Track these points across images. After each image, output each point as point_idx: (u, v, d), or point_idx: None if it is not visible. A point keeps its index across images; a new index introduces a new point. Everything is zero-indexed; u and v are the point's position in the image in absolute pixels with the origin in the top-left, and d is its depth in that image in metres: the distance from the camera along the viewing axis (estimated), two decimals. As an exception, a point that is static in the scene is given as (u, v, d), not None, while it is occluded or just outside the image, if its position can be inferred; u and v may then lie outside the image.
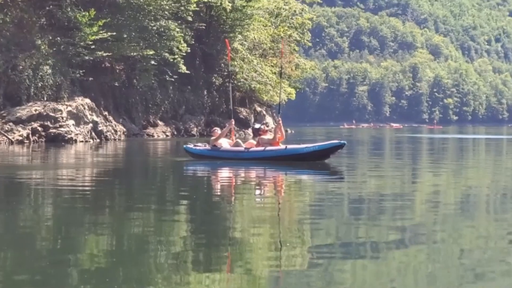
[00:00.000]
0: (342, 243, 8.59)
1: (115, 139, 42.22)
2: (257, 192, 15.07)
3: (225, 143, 22.81)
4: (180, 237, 9.26)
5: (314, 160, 21.55)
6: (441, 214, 11.58)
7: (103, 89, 46.69)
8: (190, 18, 50.98)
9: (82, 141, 38.12)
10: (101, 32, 42.02)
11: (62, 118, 38.19)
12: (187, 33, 50.77)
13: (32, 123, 37.01)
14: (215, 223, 10.67)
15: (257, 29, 64.47)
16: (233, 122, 24.16)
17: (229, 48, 31.61)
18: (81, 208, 12.09)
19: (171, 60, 48.90)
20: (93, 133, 40.75)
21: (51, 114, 37.85)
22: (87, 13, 42.08)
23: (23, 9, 38.96)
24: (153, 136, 49.46)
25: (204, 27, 56.38)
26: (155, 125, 51.71)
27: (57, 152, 29.08)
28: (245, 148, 22.45)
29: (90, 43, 42.13)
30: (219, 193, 15.01)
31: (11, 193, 14.38)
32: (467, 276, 6.94)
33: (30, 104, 38.17)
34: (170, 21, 48.40)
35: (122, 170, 21.71)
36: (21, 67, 38.71)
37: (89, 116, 40.82)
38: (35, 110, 37.57)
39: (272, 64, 66.95)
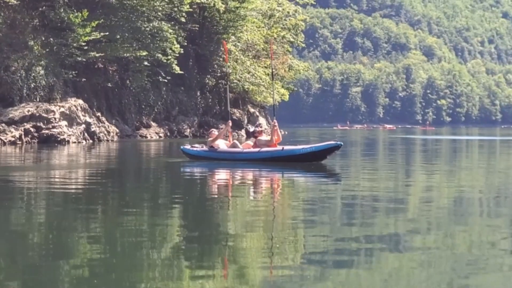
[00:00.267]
0: (336, 246, 8.60)
1: (108, 140, 42.21)
2: (253, 193, 15.10)
3: (222, 144, 22.90)
4: (173, 239, 9.26)
5: (310, 161, 21.62)
6: (434, 216, 11.60)
7: (96, 90, 46.69)
8: (183, 19, 51.02)
9: (74, 142, 38.11)
10: (94, 33, 42.01)
11: (55, 119, 38.18)
12: (180, 34, 50.80)
13: (25, 124, 36.99)
14: (210, 224, 10.66)
15: (250, 30, 64.56)
16: (231, 124, 24.23)
17: (227, 49, 31.70)
18: (74, 210, 12.08)
19: (164, 61, 48.96)
20: (85, 134, 40.76)
21: (44, 115, 37.83)
22: (80, 14, 42.04)
23: (16, 9, 38.91)
24: (146, 137, 49.49)
25: (197, 28, 56.46)
26: (148, 126, 51.75)
27: (49, 153, 29.06)
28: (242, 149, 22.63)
29: (83, 44, 42.13)
30: (215, 194, 15.03)
31: (3, 194, 14.35)
32: (460, 280, 6.96)
33: (22, 105, 38.14)
34: (163, 22, 48.42)
35: (115, 171, 21.71)
36: (13, 68, 38.68)
37: (82, 117, 40.81)
38: (28, 111, 37.55)
39: (265, 65, 67.04)
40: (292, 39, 75.91)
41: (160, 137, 50.89)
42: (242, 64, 59.31)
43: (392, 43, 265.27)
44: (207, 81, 60.77)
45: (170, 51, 48.95)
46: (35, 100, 39.26)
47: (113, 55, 44.75)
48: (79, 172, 20.27)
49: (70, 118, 39.62)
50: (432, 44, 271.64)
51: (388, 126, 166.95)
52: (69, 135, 38.45)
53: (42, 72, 40.22)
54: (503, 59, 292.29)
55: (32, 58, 39.83)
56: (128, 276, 6.92)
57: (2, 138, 35.15)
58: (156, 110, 53.87)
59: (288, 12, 77.27)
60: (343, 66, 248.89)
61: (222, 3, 54.67)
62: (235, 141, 23.96)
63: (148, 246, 8.65)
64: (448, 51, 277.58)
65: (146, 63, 47.83)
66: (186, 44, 52.48)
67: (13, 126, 36.56)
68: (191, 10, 52.05)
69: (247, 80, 61.23)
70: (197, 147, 24.02)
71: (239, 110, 62.43)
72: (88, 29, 41.88)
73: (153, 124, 52.72)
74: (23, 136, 36.29)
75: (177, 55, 49.77)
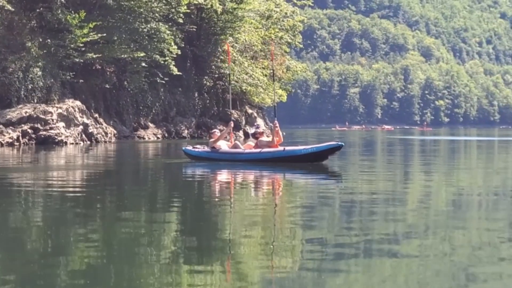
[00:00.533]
0: (335, 245, 8.60)
1: (105, 141, 42.24)
2: (255, 194, 15.12)
3: (224, 145, 23.05)
4: (171, 239, 9.25)
5: (311, 162, 21.63)
6: (432, 216, 11.60)
7: (94, 91, 46.72)
8: (181, 20, 51.12)
9: (72, 143, 38.14)
10: (92, 34, 42.07)
11: (53, 120, 38.22)
12: (177, 35, 50.86)
13: (22, 125, 37.03)
14: (209, 224, 10.66)
15: (248, 31, 64.58)
16: (232, 125, 24.33)
17: (229, 51, 31.73)
18: (71, 210, 12.08)
19: (162, 62, 49.04)
20: (83, 135, 40.80)
21: (42, 116, 37.87)
22: (77, 15, 42.11)
23: (13, 11, 38.90)
24: (143, 138, 49.55)
25: (195, 29, 56.51)
26: (146, 127, 51.80)
27: (47, 155, 29.07)
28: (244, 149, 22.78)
29: (81, 45, 42.19)
30: (216, 195, 15.01)
31: (1, 195, 14.34)
32: (459, 278, 6.95)
33: (20, 106, 38.17)
34: (160, 23, 48.51)
35: (113, 172, 21.71)
36: (11, 69, 38.71)
37: (79, 118, 40.84)
38: (25, 112, 37.59)
39: (263, 66, 67.12)
40: (290, 40, 76.01)
41: (158, 138, 50.94)
42: (240, 65, 59.34)
43: (390, 44, 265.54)
44: (205, 82, 60.80)
45: (168, 52, 49.03)
46: (32, 102, 39.31)
47: (111, 56, 44.80)
48: (77, 173, 20.28)
49: (68, 120, 39.65)
50: (430, 44, 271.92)
51: (386, 127, 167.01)
52: (67, 136, 38.49)
53: (39, 73, 40.26)
54: (501, 59, 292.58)
55: (29, 59, 39.86)
56: (125, 276, 6.91)
57: (0, 139, 35.18)
58: (154, 111, 53.93)
59: (286, 13, 77.29)
60: (341, 67, 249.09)
61: (220, 4, 54.73)
62: (237, 142, 24.06)
63: (147, 246, 8.64)
64: (446, 51, 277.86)
65: (143, 64, 47.90)
66: (183, 45, 52.60)
67: (11, 127, 36.59)
68: (188, 11, 52.11)
69: (245, 81, 61.26)
70: (198, 148, 24.10)
71: (237, 111, 62.37)
72: (85, 30, 41.93)
73: (151, 125, 52.78)
74: (20, 138, 36.32)
75: (175, 56, 49.85)
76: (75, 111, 40.65)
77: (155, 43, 48.03)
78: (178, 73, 51.18)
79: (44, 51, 41.07)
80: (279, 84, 66.57)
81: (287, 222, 10.63)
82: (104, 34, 42.96)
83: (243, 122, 62.26)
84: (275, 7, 75.94)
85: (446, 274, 7.17)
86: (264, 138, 22.95)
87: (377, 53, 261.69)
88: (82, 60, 42.76)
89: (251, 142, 23.42)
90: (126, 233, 9.62)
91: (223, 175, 19.32)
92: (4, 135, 35.75)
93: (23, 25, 40.52)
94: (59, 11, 42.75)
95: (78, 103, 41.80)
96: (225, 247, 8.63)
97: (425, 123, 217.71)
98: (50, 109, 38.76)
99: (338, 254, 8.03)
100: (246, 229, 9.97)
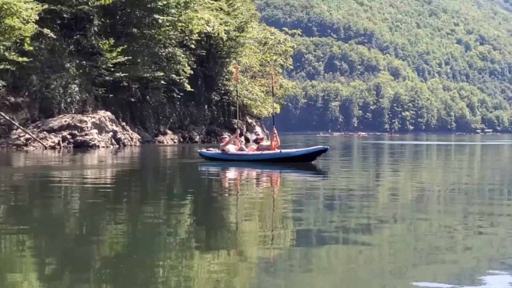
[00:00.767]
0: (319, 228, 8.63)
1: (131, 145, 42.20)
2: (256, 187, 15.19)
3: (232, 148, 23.41)
4: (186, 223, 9.28)
5: (302, 162, 21.82)
6: (399, 206, 11.63)
7: (121, 103, 46.72)
8: (193, 46, 51.21)
9: (103, 147, 38.13)
10: (119, 57, 42.10)
11: (87, 127, 38.23)
12: (190, 58, 50.89)
13: (62, 132, 37.06)
14: (220, 209, 10.71)
15: (248, 55, 64.84)
16: (239, 132, 24.73)
17: (237, 71, 31.81)
18: (103, 201, 12.11)
19: (178, 80, 49.05)
20: (113, 140, 40.78)
21: (78, 124, 37.89)
22: (108, 41, 42.20)
23: (55, 38, 38.94)
24: (163, 142, 49.48)
25: (204, 53, 56.52)
26: (164, 134, 51.74)
27: (83, 156, 29.06)
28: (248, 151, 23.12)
29: (110, 66, 42.24)
30: (225, 187, 15.07)
31: (45, 189, 14.37)
32: (420, 256, 6.98)
33: (60, 116, 38.22)
34: (176, 48, 48.59)
35: (138, 170, 21.71)
36: (53, 85, 38.74)
37: (109, 126, 40.84)
38: (65, 121, 37.63)
39: (261, 84, 67.39)
40: (282, 63, 76.29)
41: (174, 142, 50.89)
42: (241, 83, 59.40)
43: (365, 65, 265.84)
44: (213, 96, 60.86)
45: (182, 72, 49.06)
46: (71, 112, 39.37)
47: (135, 75, 44.80)
48: (108, 171, 20.28)
49: (100, 127, 39.66)
50: (398, 65, 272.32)
51: (361, 133, 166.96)
52: (99, 141, 38.50)
53: (76, 89, 40.34)
54: (457, 78, 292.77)
55: (68, 77, 39.91)
56: (148, 251, 6.94)
57: (44, 143, 35.23)
58: (171, 120, 53.97)
59: (279, 40, 77.52)
60: (324, 84, 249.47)
61: (225, 33, 54.77)
62: (242, 145, 24.22)
63: (165, 229, 8.66)
64: (411, 71, 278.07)
65: (162, 82, 47.93)
66: (195, 66, 52.63)
67: (53, 133, 36.65)
68: (199, 38, 52.16)
69: (246, 96, 61.46)
70: (211, 150, 24.62)
71: (239, 121, 62.36)
72: (114, 54, 41.98)
73: (169, 131, 52.72)
74: (61, 142, 36.36)
75: (188, 75, 49.86)
76: (106, 120, 40.66)
77: (172, 64, 48.07)
78: (191, 89, 51.16)
79: (80, 70, 41.12)
80: (273, 98, 66.72)
81: (282, 209, 10.66)
82: (130, 57, 42.97)
83: (244, 130, 62.20)
84: (270, 35, 76.33)
85: (410, 251, 7.20)
86: (264, 143, 23.49)
87: (354, 73, 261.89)
88: (111, 78, 42.80)
89: (254, 145, 23.72)
90: (150, 218, 9.65)
91: (231, 172, 19.31)
92: (48, 140, 35.81)
93: (63, 49, 40.56)
94: (93, 38, 42.87)
95: (108, 113, 41.82)
96: (232, 228, 8.66)
97: (393, 130, 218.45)
98: (85, 118, 38.80)
99: (321, 234, 8.07)
100: (248, 214, 10.03)
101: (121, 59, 42.27)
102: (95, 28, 43.85)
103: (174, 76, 48.36)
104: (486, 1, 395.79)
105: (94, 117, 39.71)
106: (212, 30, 52.23)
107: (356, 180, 17.02)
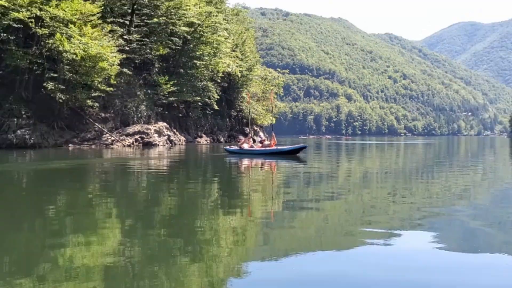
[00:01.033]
0: (300, 198, 8.62)
1: (179, 144, 42.23)
2: (261, 170, 15.17)
3: (246, 146, 23.68)
4: (215, 193, 9.30)
5: (291, 155, 21.86)
6: (351, 183, 11.62)
7: (173, 117, 46.73)
8: (219, 80, 51.28)
9: (162, 145, 38.17)
10: (171, 87, 42.23)
11: (151, 133, 38.29)
12: (217, 88, 50.94)
13: (135, 135, 37.13)
14: (237, 183, 10.72)
15: (254, 86, 64.96)
16: (250, 136, 25.10)
17: (249, 98, 32.51)
18: (161, 179, 12.14)
19: (209, 102, 49.17)
20: (167, 141, 40.81)
21: (145, 131, 37.95)
22: (164, 78, 42.31)
23: (130, 75, 39.04)
24: (200, 142, 49.50)
25: (226, 85, 56.59)
26: (201, 137, 51.70)
27: (148, 151, 29.12)
28: (256, 148, 23.31)
29: (166, 93, 42.31)
30: (241, 170, 15.05)
31: (124, 171, 14.41)
32: (364, 215, 6.97)
33: (134, 125, 38.28)
34: (208, 82, 48.65)
35: (184, 159, 21.73)
36: (129, 106, 38.79)
37: (165, 132, 40.87)
38: (137, 129, 37.69)
39: (263, 105, 67.45)
40: (276, 91, 76.39)
41: (207, 142, 50.93)
42: (251, 104, 59.46)
43: (330, 92, 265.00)
44: (232, 113, 60.92)
45: (212, 97, 49.18)
46: (140, 123, 39.40)
47: (182, 99, 44.88)
48: (164, 160, 20.31)
49: (159, 132, 39.70)
50: (350, 93, 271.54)
51: (327, 136, 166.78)
52: (159, 141, 38.54)
53: (144, 108, 40.35)
54: (388, 100, 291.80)
55: (139, 101, 39.95)
56: (189, 214, 6.95)
57: (123, 143, 35.29)
58: (205, 128, 53.98)
59: (274, 76, 77.81)
60: (303, 105, 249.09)
61: (239, 72, 54.92)
62: (253, 144, 24.30)
63: (201, 198, 8.68)
64: (359, 96, 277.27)
65: (199, 103, 48.05)
66: (220, 93, 52.69)
67: (129, 137, 36.69)
68: (223, 75, 52.28)
69: (253, 112, 61.53)
70: (233, 147, 25.06)
71: (249, 128, 62.41)
72: (168, 86, 42.06)
73: (204, 135, 52.72)
74: (134, 142, 36.40)
75: (216, 99, 49.99)
76: (163, 128, 40.70)
77: (205, 92, 48.13)
78: (218, 108, 51.33)
79: (147, 96, 41.17)
80: (271, 114, 66.66)
81: (276, 185, 10.66)
82: (178, 87, 43.08)
83: (252, 134, 62.16)
84: (269, 73, 76.60)
85: (357, 215, 7.20)
86: (266, 142, 23.76)
87: (322, 97, 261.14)
88: (166, 101, 42.87)
89: (259, 144, 23.91)
90: (191, 190, 9.67)
91: (245, 161, 19.32)
92: (125, 141, 35.87)
93: (135, 83, 40.61)
94: (154, 75, 42.93)
95: (165, 124, 41.84)
96: (244, 197, 8.67)
97: (348, 134, 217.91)
98: (150, 127, 38.85)
99: (301, 201, 8.07)
100: (255, 188, 10.02)
101: (173, 88, 42.42)
102: (156, 69, 43.91)
103: (207, 99, 48.48)
104: (407, 51, 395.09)
105: (155, 126, 39.77)
106: (231, 70, 52.35)
107: (324, 166, 17.01)
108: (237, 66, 53.88)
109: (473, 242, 5.30)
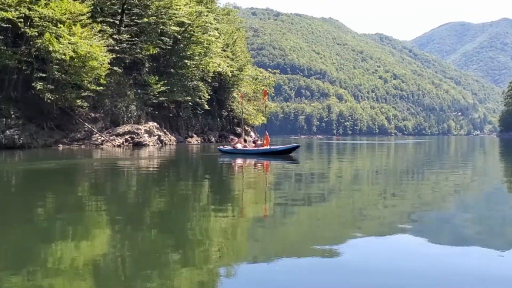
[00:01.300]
0: (292, 196, 8.63)
1: (170, 144, 42.13)
2: (254, 169, 15.17)
3: (239, 146, 23.75)
4: (206, 192, 9.28)
5: (284, 154, 21.89)
6: (342, 182, 11.66)
7: (163, 117, 46.62)
8: (209, 80, 51.22)
9: (152, 145, 38.04)
10: (162, 87, 42.12)
11: (141, 133, 38.15)
12: (208, 88, 50.85)
13: (125, 135, 36.97)
14: (230, 182, 10.71)
15: (245, 86, 64.87)
16: (243, 136, 25.05)
17: (242, 98, 32.61)
18: (151, 179, 12.09)
19: (200, 102, 49.09)
20: (158, 141, 40.69)
21: (135, 131, 37.80)
22: (154, 77, 42.20)
23: (120, 75, 38.88)
24: (190, 142, 49.40)
25: (217, 85, 56.53)
26: (191, 137, 51.63)
27: (138, 151, 29.02)
28: (249, 148, 23.34)
29: (156, 93, 42.17)
30: (235, 170, 15.04)
31: (114, 171, 14.34)
32: (355, 213, 7.00)
33: (124, 125, 38.12)
34: (199, 82, 48.55)
35: (174, 159, 21.69)
36: (119, 106, 38.64)
37: (155, 132, 40.75)
38: (127, 129, 37.53)
39: (254, 105, 67.39)
40: (268, 91, 76.38)
41: (198, 142, 50.85)
42: (242, 104, 59.42)
43: (321, 92, 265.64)
44: (223, 112, 60.84)
45: (203, 97, 49.09)
46: (130, 123, 39.25)
47: (172, 99, 44.77)
48: (154, 160, 20.25)
49: (150, 132, 39.57)
50: (341, 93, 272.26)
51: (318, 136, 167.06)
52: (149, 141, 38.40)
53: (134, 108, 40.21)
54: (379, 100, 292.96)
55: (129, 101, 39.79)
56: (179, 213, 6.95)
57: (113, 143, 35.14)
58: (196, 128, 53.90)
59: (265, 76, 77.79)
60: (295, 105, 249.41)
61: (230, 72, 54.89)
62: (246, 144, 24.31)
63: (192, 196, 8.66)
64: (350, 96, 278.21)
65: (190, 103, 47.93)
66: (211, 93, 52.64)
67: (119, 136, 36.53)
68: (213, 75, 52.20)
69: (245, 112, 61.52)
70: (226, 147, 25.07)
71: (240, 128, 62.45)
72: (158, 85, 41.94)
73: (194, 135, 52.63)
74: (124, 142, 36.24)
75: (207, 99, 49.93)
76: (153, 128, 40.57)
77: (196, 92, 48.02)
78: (208, 108, 51.28)
79: (137, 96, 41.03)
80: (262, 114, 66.67)
81: (269, 184, 10.67)
82: (168, 87, 42.96)
83: (243, 134, 62.20)
84: (260, 73, 76.55)
85: (348, 213, 7.23)
86: (259, 142, 23.73)
87: (313, 97, 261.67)
88: (156, 101, 42.74)
89: (253, 144, 23.98)
90: (182, 189, 9.65)
91: (239, 161, 19.31)
92: (115, 141, 35.71)
93: (126, 82, 40.44)
94: (145, 75, 42.78)
95: (155, 124, 41.70)
96: (237, 195, 8.67)
97: (339, 134, 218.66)
98: (140, 127, 38.70)
99: (293, 199, 8.08)
100: (248, 186, 10.02)
101: (163, 88, 42.30)
102: (146, 69, 43.77)
103: (197, 99, 48.41)
104: (397, 51, 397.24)
105: (145, 126, 39.63)
106: (222, 70, 52.28)
107: (315, 166, 17.05)
108: (228, 66, 53.82)
109: (463, 241, 5.35)
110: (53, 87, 30.91)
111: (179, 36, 44.67)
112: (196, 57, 46.59)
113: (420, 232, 5.55)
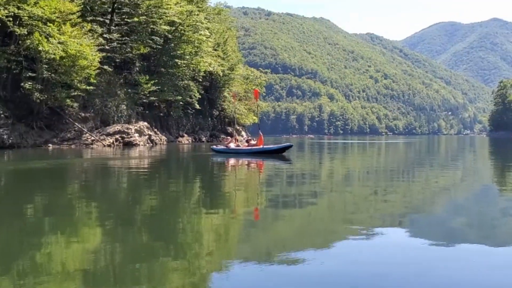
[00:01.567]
0: (283, 195, 8.65)
1: (161, 144, 41.99)
2: (247, 168, 15.19)
3: (232, 145, 23.75)
4: (197, 192, 9.27)
5: (277, 153, 21.95)
6: (333, 181, 11.70)
7: (154, 117, 46.44)
8: (200, 79, 51.06)
9: (143, 145, 37.89)
10: (152, 87, 41.96)
11: (132, 132, 37.97)
12: (199, 87, 50.73)
13: (115, 135, 36.77)
14: (223, 181, 10.70)
15: (236, 86, 64.80)
16: (235, 136, 25.17)
17: (235, 98, 32.64)
18: (142, 178, 12.05)
19: (191, 101, 48.95)
20: (148, 141, 40.53)
21: (126, 130, 37.60)
22: (145, 77, 42.02)
23: (111, 74, 38.69)
24: (181, 142, 49.27)
25: (208, 84, 56.42)
26: (182, 136, 51.48)
27: (129, 151, 28.89)
28: (242, 147, 23.35)
29: (147, 93, 42.01)
30: (228, 169, 15.02)
31: (104, 171, 14.27)
32: (346, 212, 7.03)
33: (114, 125, 37.92)
34: (190, 81, 48.42)
35: (165, 159, 21.63)
36: (109, 105, 38.43)
37: (146, 131, 40.59)
38: (117, 128, 37.32)
39: (245, 104, 67.34)
40: (259, 90, 76.37)
41: (189, 142, 50.72)
42: (233, 104, 59.43)
43: (312, 92, 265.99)
44: (214, 112, 60.73)
45: (194, 96, 48.95)
46: (121, 122, 39.05)
47: (163, 99, 44.61)
48: (145, 160, 20.19)
49: (140, 132, 39.40)
50: (332, 92, 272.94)
51: (310, 136, 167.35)
52: (140, 141, 38.22)
53: (124, 107, 40.03)
54: (370, 100, 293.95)
55: (119, 100, 39.60)
56: (170, 213, 6.94)
57: (104, 143, 34.96)
58: (186, 127, 53.76)
59: (256, 76, 77.70)
60: (286, 104, 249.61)
61: (221, 71, 54.83)
62: (239, 143, 24.32)
63: (183, 196, 8.65)
64: (341, 96, 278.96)
65: (181, 102, 47.73)
66: (202, 92, 52.50)
67: (109, 136, 36.34)
68: (204, 74, 52.06)
69: (236, 112, 61.54)
70: (220, 147, 24.98)
71: (231, 128, 62.38)
72: (149, 85, 41.76)
73: (185, 135, 52.48)
74: (114, 142, 36.05)
75: (197, 98, 49.80)
76: (144, 127, 40.39)
77: (187, 91, 47.86)
78: (199, 107, 51.16)
79: (127, 95, 40.82)
80: (254, 113, 66.67)
81: (262, 183, 10.69)
82: (159, 87, 42.80)
83: (234, 133, 62.18)
84: (251, 73, 76.47)
85: (339, 212, 7.26)
86: (252, 141, 23.81)
87: (305, 97, 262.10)
88: (147, 101, 42.56)
89: (246, 143, 24.04)
90: (173, 188, 9.64)
91: (232, 160, 19.30)
92: (106, 141, 35.52)
93: (116, 82, 40.23)
94: (135, 75, 42.59)
95: (145, 123, 41.53)
96: (230, 195, 8.67)
97: (330, 133, 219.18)
98: (130, 126, 38.51)
99: (285, 198, 8.10)
100: (241, 186, 10.02)
101: (154, 88, 42.12)
102: (137, 68, 43.58)
103: (188, 99, 48.24)
104: (388, 51, 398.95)
105: (136, 126, 39.45)
106: (213, 69, 52.19)
107: (307, 165, 17.09)
108: (219, 65, 53.73)
109: (451, 238, 5.40)
110: (42, 86, 30.68)
111: (169, 36, 44.54)
112: (187, 57, 46.46)
113: (410, 234, 5.58)
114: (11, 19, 28.99)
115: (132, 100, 41.52)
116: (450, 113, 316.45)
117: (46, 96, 30.95)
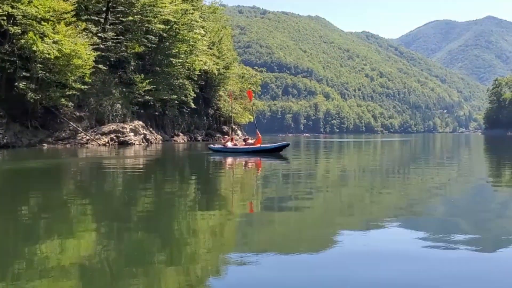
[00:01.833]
0: (281, 194, 8.65)
1: (156, 143, 41.92)
2: (244, 167, 15.19)
3: (229, 144, 23.59)
4: (193, 191, 9.26)
5: (274, 152, 21.96)
6: (329, 180, 11.73)
7: (149, 116, 46.35)
8: (195, 78, 50.93)
9: (138, 144, 37.81)
10: (147, 86, 41.88)
11: (127, 131, 37.87)
12: (194, 86, 50.64)
13: (110, 134, 36.67)
14: (220, 180, 10.69)
15: (232, 84, 64.74)
16: (233, 135, 25.27)
17: (232, 97, 32.43)
18: (137, 177, 12.03)
19: (186, 100, 48.85)
20: (144, 140, 40.43)
21: (121, 129, 37.50)
22: (140, 76, 41.93)
23: (106, 73, 38.59)
24: (177, 141, 49.19)
25: (203, 83, 56.34)
26: (178, 135, 51.39)
27: (124, 150, 28.82)
28: (240, 146, 23.28)
29: (142, 92, 41.92)
30: (225, 168, 15.02)
31: (99, 170, 14.24)
32: (343, 210, 7.05)
33: (109, 124, 37.82)
34: (185, 80, 48.34)
35: (161, 158, 21.59)
36: (104, 104, 38.34)
37: (141, 130, 40.49)
38: (112, 127, 37.23)
39: (240, 103, 67.29)
40: (254, 89, 76.31)
41: (184, 141, 50.64)
42: (229, 102, 59.37)
43: (308, 91, 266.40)
44: (209, 111, 60.67)
45: (189, 95, 48.83)
46: (116, 122, 38.95)
47: (158, 98, 44.53)
48: (140, 159, 20.15)
49: (135, 131, 39.30)
50: (328, 91, 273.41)
51: (306, 134, 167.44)
52: (135, 140, 38.11)
53: (119, 107, 39.92)
54: (366, 98, 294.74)
55: (114, 99, 39.50)
56: (166, 212, 6.93)
57: (99, 142, 34.87)
58: (182, 126, 53.68)
59: (252, 74, 77.75)
60: (282, 103, 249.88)
61: (216, 70, 54.77)
62: (236, 142, 24.34)
63: (179, 196, 8.64)
64: (337, 94, 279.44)
65: (176, 101, 47.67)
66: (197, 91, 52.44)
67: (104, 135, 36.24)
68: (199, 73, 51.97)
69: (232, 111, 61.45)
70: (217, 145, 24.88)
71: (226, 127, 62.32)
72: (144, 84, 41.69)
73: (181, 134, 52.41)
74: (109, 141, 35.95)
75: (193, 97, 49.71)
76: (139, 127, 40.29)
77: (182, 90, 47.77)
78: (195, 106, 51.08)
79: (122, 95, 40.72)
80: (249, 112, 66.66)
81: (259, 182, 10.69)
82: (154, 86, 42.73)
83: (230, 132, 62.17)
84: (246, 71, 76.49)
85: (336, 210, 7.27)
86: (250, 141, 23.79)
87: (300, 96, 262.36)
88: (142, 100, 42.45)
89: (243, 142, 23.95)
90: (169, 188, 9.62)
91: (229, 159, 19.25)
92: (101, 140, 35.43)
93: (111, 81, 40.11)
94: (130, 74, 42.48)
95: (140, 122, 41.42)
96: (227, 194, 8.66)
97: (326, 132, 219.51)
98: (125, 125, 38.40)
99: (282, 197, 8.10)
100: (239, 185, 10.02)
101: (149, 87, 42.06)
102: (132, 67, 43.48)
103: (183, 98, 48.13)
104: (383, 49, 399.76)
105: (131, 125, 39.35)
106: (208, 68, 52.13)
107: (303, 164, 17.11)
108: (214, 64, 53.67)
109: (447, 235, 5.42)
110: (36, 86, 30.56)
111: (164, 34, 44.46)
112: (182, 55, 46.39)
113: (407, 232, 5.60)
114: (5, 18, 28.86)
115: (127, 99, 41.43)
116: (445, 111, 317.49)
117: (40, 95, 30.84)
